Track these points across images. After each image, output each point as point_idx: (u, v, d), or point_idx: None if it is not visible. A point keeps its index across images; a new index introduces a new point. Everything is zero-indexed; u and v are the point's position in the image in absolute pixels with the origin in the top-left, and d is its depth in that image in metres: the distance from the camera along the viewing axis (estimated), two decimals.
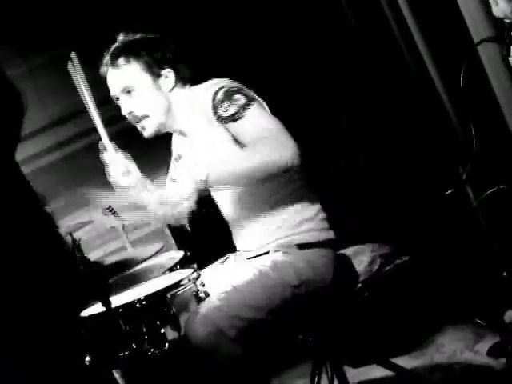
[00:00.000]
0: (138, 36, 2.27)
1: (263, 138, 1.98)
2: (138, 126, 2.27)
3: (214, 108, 2.08)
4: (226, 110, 2.05)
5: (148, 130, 2.25)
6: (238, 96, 2.06)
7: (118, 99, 2.26)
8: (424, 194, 3.22)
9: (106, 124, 2.18)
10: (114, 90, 2.25)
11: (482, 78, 2.42)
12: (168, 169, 2.48)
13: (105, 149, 2.17)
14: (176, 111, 2.25)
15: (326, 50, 3.59)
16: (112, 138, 2.18)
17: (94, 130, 2.18)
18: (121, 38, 2.27)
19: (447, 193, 2.59)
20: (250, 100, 2.06)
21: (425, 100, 2.95)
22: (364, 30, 3.25)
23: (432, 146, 3.04)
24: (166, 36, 2.31)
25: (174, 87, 2.24)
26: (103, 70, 2.26)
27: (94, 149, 2.20)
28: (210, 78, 2.22)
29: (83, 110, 2.17)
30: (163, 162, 2.47)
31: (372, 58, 3.28)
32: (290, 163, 1.95)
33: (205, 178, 1.93)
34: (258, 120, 2.04)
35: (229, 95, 2.07)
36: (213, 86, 2.13)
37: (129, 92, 2.22)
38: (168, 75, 2.23)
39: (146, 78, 2.21)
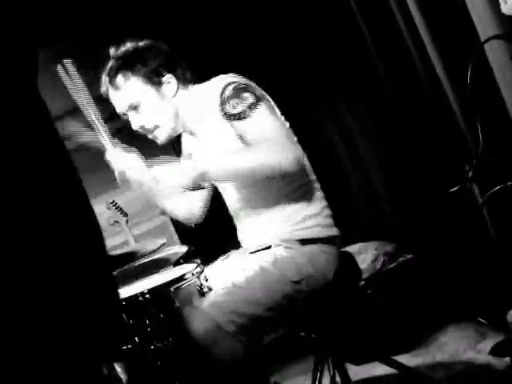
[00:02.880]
0: (129, 47, 2.21)
1: (265, 140, 1.99)
2: (150, 136, 2.27)
3: (222, 104, 2.07)
4: (234, 108, 2.05)
5: (161, 138, 2.25)
6: (246, 94, 2.05)
7: (125, 114, 2.25)
8: (429, 191, 3.21)
9: (105, 121, 2.16)
10: (120, 108, 2.25)
11: (489, 76, 2.41)
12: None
13: (104, 148, 2.18)
14: (183, 113, 2.24)
15: (332, 49, 3.58)
16: (113, 135, 2.18)
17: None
18: (112, 52, 2.21)
19: (453, 190, 2.58)
20: (258, 99, 2.06)
21: (431, 98, 2.94)
22: (371, 29, 3.24)
23: (438, 144, 3.03)
24: (159, 39, 2.25)
25: (177, 91, 2.22)
26: (103, 90, 2.24)
27: (90, 147, 2.19)
28: (213, 77, 2.21)
29: (75, 109, 2.16)
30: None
31: (378, 56, 3.27)
32: (287, 169, 1.97)
33: (203, 171, 1.96)
34: (263, 122, 2.04)
35: (238, 92, 2.06)
36: (221, 81, 2.12)
37: (135, 108, 2.21)
38: (169, 81, 2.21)
39: (149, 90, 2.19)
